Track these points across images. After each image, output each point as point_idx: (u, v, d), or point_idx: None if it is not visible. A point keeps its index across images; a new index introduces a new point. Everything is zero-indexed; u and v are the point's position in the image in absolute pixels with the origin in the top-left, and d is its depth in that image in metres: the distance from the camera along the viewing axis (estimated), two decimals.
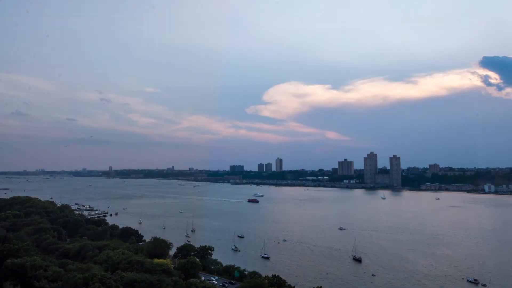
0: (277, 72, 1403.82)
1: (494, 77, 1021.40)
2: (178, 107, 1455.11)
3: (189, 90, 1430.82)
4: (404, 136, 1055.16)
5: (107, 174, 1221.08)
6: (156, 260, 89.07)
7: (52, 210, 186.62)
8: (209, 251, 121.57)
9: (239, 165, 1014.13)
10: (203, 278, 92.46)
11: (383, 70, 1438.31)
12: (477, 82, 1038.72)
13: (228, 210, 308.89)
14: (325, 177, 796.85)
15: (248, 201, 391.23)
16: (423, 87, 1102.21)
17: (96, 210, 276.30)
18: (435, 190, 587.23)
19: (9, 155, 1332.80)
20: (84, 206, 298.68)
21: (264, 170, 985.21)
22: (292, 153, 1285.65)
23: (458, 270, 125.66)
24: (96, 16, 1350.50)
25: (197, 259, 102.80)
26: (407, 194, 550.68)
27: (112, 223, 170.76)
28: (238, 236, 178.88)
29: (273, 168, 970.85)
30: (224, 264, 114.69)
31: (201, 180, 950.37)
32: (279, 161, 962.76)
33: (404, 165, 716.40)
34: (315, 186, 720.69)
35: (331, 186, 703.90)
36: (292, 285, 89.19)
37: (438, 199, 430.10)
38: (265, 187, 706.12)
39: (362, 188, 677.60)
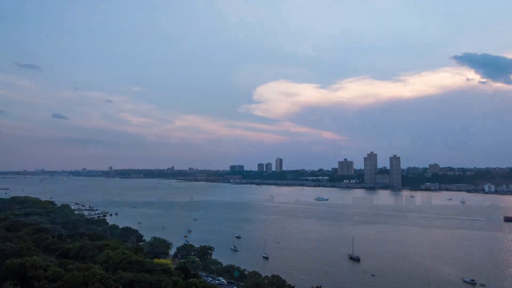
0: (263, 69, 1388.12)
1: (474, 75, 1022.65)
2: (169, 106, 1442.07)
3: (178, 89, 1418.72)
4: (403, 135, 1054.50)
5: (107, 174, 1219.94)
6: (156, 260, 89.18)
7: (52, 210, 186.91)
8: (209, 251, 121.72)
9: (239, 165, 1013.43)
10: (209, 279, 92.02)
11: (368, 69, 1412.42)
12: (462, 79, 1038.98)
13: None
14: (325, 177, 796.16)
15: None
16: (412, 86, 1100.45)
17: (96, 210, 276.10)
18: (435, 190, 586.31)
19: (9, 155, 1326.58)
20: (84, 206, 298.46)
21: (264, 170, 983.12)
22: (290, 153, 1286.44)
23: (457, 270, 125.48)
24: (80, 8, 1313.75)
25: (197, 259, 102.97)
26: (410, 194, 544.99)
27: (112, 223, 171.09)
28: (236, 237, 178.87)
29: (273, 168, 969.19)
30: (224, 264, 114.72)
31: (201, 180, 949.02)
32: (279, 161, 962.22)
33: (404, 165, 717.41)
34: (315, 186, 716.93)
35: (331, 186, 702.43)
36: (292, 285, 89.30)
37: (450, 199, 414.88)
38: (264, 187, 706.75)
39: (362, 188, 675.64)
